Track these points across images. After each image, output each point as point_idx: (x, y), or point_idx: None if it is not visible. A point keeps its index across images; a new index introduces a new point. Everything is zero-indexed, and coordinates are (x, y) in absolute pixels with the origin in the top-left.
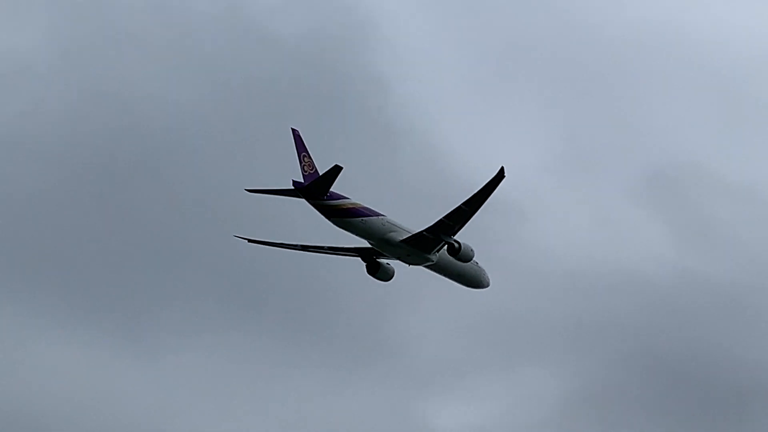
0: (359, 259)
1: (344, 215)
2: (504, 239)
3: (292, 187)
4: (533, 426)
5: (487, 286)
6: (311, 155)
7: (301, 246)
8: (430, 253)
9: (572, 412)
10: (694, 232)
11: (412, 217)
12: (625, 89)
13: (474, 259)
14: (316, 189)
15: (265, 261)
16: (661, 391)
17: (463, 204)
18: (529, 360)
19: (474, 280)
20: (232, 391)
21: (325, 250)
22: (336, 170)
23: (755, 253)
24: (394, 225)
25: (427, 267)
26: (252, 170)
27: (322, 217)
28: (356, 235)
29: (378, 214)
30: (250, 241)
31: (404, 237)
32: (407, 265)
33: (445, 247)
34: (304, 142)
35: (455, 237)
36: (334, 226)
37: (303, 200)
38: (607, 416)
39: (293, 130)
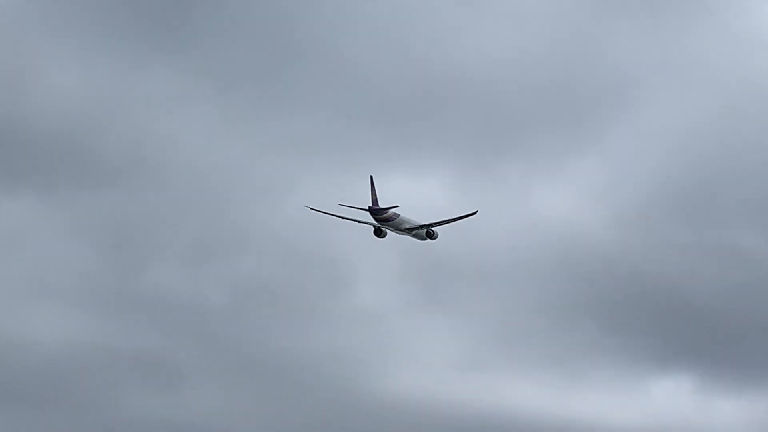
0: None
1: (386, 220)
2: None
3: (366, 208)
4: None
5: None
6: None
7: (342, 217)
8: (412, 233)
9: None
10: None
11: None
12: None
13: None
14: (380, 210)
15: None
16: None
17: (446, 219)
18: None
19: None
20: None
21: (359, 221)
22: (395, 206)
23: None
24: (403, 220)
25: (408, 235)
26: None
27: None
28: (387, 226)
29: (397, 215)
30: (312, 209)
31: (407, 227)
32: (398, 234)
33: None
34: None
35: (433, 228)
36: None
37: (366, 212)
38: None
39: (371, 176)
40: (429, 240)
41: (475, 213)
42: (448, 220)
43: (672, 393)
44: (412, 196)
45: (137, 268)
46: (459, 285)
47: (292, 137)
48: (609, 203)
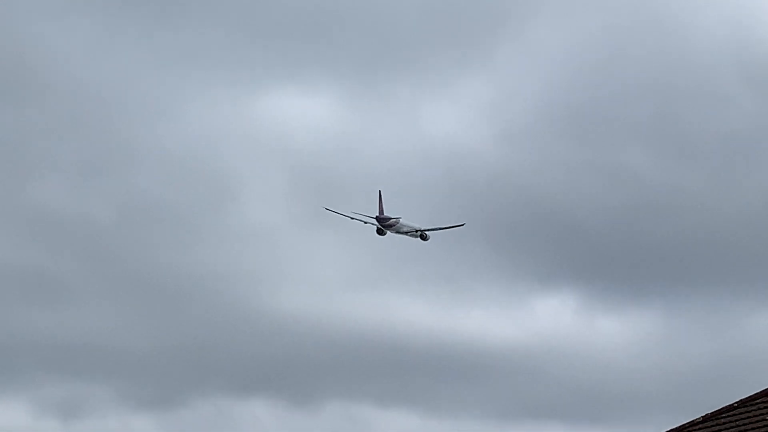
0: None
1: (389, 227)
2: None
3: (374, 217)
4: None
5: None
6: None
7: (352, 218)
8: (409, 234)
9: None
10: None
11: None
12: None
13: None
14: (385, 219)
15: None
16: None
17: (438, 227)
18: None
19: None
20: None
21: (365, 222)
22: (398, 217)
23: None
24: (402, 224)
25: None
26: None
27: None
28: (389, 230)
29: (398, 221)
30: (328, 209)
31: (405, 230)
32: (396, 234)
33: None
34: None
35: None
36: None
37: (374, 220)
38: None
39: (379, 191)
40: (422, 240)
41: (462, 225)
42: (439, 228)
43: (556, 310)
44: (301, 113)
45: (22, 183)
46: (347, 202)
47: (180, 52)
48: (497, 121)
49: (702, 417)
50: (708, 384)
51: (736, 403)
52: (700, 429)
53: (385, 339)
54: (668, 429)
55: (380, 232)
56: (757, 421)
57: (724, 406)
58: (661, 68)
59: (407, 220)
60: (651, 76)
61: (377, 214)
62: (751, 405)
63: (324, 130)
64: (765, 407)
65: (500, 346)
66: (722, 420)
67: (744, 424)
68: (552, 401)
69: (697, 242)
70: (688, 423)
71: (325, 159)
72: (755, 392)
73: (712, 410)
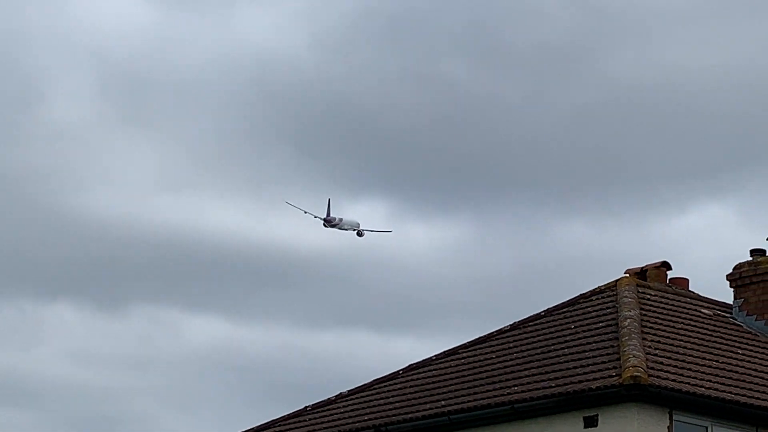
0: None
1: (333, 226)
2: None
3: (323, 218)
4: None
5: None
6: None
7: (305, 212)
8: (348, 230)
9: None
10: None
11: None
12: None
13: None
14: (331, 220)
15: None
16: None
17: (373, 229)
18: None
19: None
20: None
21: (315, 216)
22: (341, 218)
23: None
24: (345, 223)
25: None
26: None
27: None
28: (334, 227)
29: (341, 220)
30: (287, 203)
31: (347, 228)
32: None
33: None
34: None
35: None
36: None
37: (322, 220)
38: None
39: (328, 199)
40: (358, 236)
41: (390, 231)
42: (373, 230)
43: (366, 218)
44: (113, 12)
45: None
46: (158, 104)
47: None
48: (311, 27)
49: (509, 325)
50: (517, 293)
51: (542, 312)
52: (507, 337)
53: (195, 243)
54: (477, 336)
55: (325, 226)
56: (563, 329)
57: (531, 315)
58: None
59: (348, 219)
60: None
61: (325, 216)
62: (557, 314)
63: (136, 31)
64: (570, 316)
65: (311, 252)
66: (529, 328)
67: (551, 332)
68: (362, 308)
69: (509, 153)
70: (495, 331)
71: (137, 60)
72: (562, 301)
73: (520, 319)
